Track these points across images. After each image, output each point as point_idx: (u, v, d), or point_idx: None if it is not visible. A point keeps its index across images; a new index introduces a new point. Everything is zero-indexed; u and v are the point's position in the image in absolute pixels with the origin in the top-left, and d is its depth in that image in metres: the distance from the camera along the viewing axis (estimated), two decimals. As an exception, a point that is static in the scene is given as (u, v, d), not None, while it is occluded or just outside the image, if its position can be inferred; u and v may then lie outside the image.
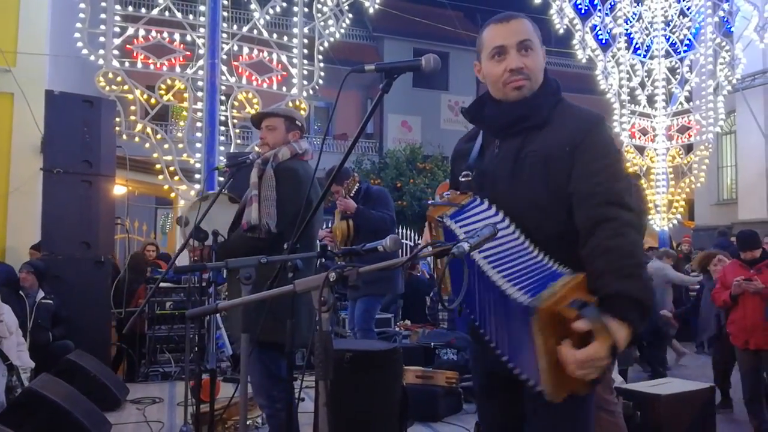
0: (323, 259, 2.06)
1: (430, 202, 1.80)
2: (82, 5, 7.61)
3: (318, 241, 3.55)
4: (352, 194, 4.74)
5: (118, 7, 7.81)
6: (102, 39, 7.66)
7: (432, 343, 5.57)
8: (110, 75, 7.58)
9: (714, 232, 12.29)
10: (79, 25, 7.57)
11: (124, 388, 5.38)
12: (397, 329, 7.19)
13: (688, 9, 12.19)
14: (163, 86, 7.91)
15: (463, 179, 1.83)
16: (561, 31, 11.30)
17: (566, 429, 1.68)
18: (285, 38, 8.74)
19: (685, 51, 12.26)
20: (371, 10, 9.44)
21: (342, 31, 9.07)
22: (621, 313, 1.48)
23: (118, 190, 8.04)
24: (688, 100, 12.34)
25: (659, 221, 12.22)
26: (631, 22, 12.15)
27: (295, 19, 8.75)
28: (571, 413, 1.67)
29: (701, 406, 3.96)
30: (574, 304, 1.40)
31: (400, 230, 12.50)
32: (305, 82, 8.65)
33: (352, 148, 1.94)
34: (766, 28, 11.38)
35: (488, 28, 1.81)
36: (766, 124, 13.21)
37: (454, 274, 1.75)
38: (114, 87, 7.58)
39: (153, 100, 7.84)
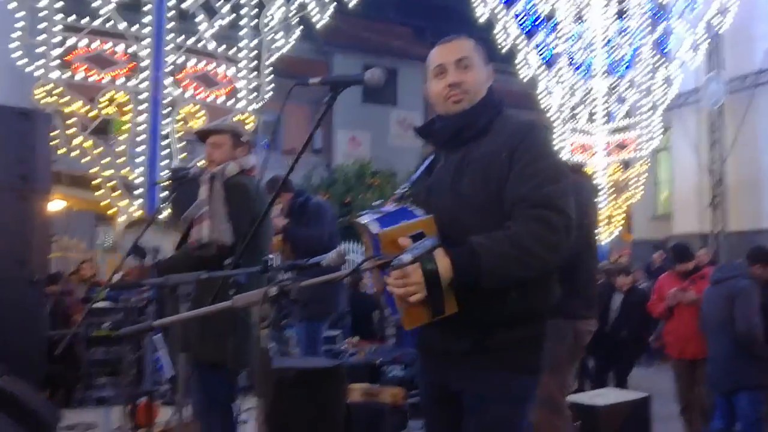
0: (267, 274, 2.04)
1: (359, 215, 1.83)
2: (20, 14, 7.34)
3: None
4: (283, 208, 4.62)
5: (59, 16, 7.57)
6: (41, 49, 7.41)
7: (378, 360, 5.55)
8: (48, 86, 7.33)
9: (651, 246, 12.75)
10: (17, 33, 7.30)
11: (56, 415, 5.14)
12: (344, 347, 7.14)
13: (626, 29, 12.69)
14: (104, 99, 7.70)
15: (398, 192, 1.95)
16: (504, 50, 11.59)
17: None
18: (232, 51, 8.65)
19: (624, 70, 12.74)
20: (319, 25, 9.46)
21: (291, 44, 9.03)
22: (453, 251, 1.60)
23: (56, 205, 7.75)
24: (626, 117, 12.82)
25: (600, 235, 12.60)
26: (572, 41, 12.57)
27: (242, 32, 8.68)
28: (504, 422, 1.73)
29: (637, 415, 4.08)
30: (413, 235, 1.58)
31: (349, 245, 12.47)
32: (252, 95, 8.57)
33: (297, 161, 1.94)
34: (698, 49, 11.97)
35: (432, 51, 1.94)
36: (698, 141, 13.83)
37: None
38: (52, 99, 7.33)
39: (94, 113, 7.61)
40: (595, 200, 3.35)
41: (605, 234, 12.64)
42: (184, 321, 2.08)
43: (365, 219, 1.76)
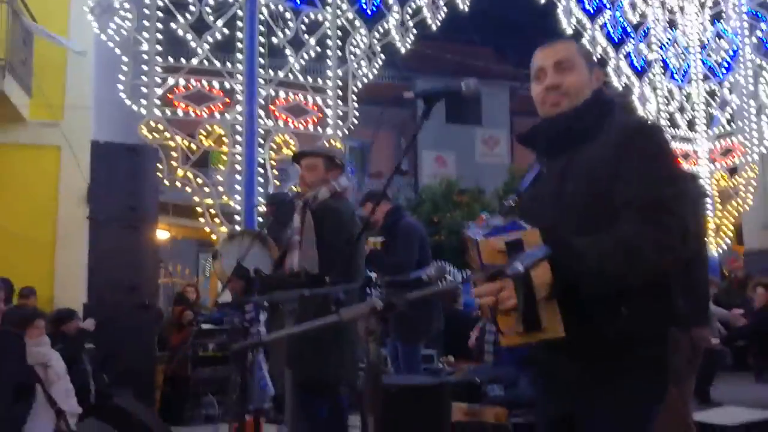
0: (369, 289, 2.04)
1: (466, 228, 1.77)
2: (125, 58, 7.91)
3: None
4: (377, 220, 4.43)
5: (159, 58, 8.09)
6: (144, 90, 7.93)
7: (478, 379, 5.41)
8: (152, 123, 7.81)
9: (766, 256, 11.84)
10: (122, 77, 7.86)
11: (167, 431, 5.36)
12: (440, 365, 7.05)
13: (723, 31, 12.03)
14: (203, 132, 8.11)
15: (506, 203, 1.85)
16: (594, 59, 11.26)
17: None
18: (319, 81, 8.91)
19: (724, 73, 12.04)
20: (403, 50, 9.56)
21: (375, 71, 9.18)
22: (554, 257, 1.46)
23: (161, 234, 8.19)
24: (730, 122, 12.06)
25: (709, 247, 11.84)
26: (666, 47, 12.04)
27: (329, 62, 8.93)
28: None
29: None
30: (509, 241, 1.48)
31: (440, 264, 12.36)
32: (340, 123, 8.77)
33: (399, 167, 1.92)
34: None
35: (534, 54, 1.86)
36: (813, 143, 12.77)
37: None
38: (156, 135, 7.80)
39: (193, 146, 8.03)
40: (703, 206, 3.16)
41: (714, 245, 11.85)
42: (291, 336, 2.11)
43: (471, 232, 1.71)
